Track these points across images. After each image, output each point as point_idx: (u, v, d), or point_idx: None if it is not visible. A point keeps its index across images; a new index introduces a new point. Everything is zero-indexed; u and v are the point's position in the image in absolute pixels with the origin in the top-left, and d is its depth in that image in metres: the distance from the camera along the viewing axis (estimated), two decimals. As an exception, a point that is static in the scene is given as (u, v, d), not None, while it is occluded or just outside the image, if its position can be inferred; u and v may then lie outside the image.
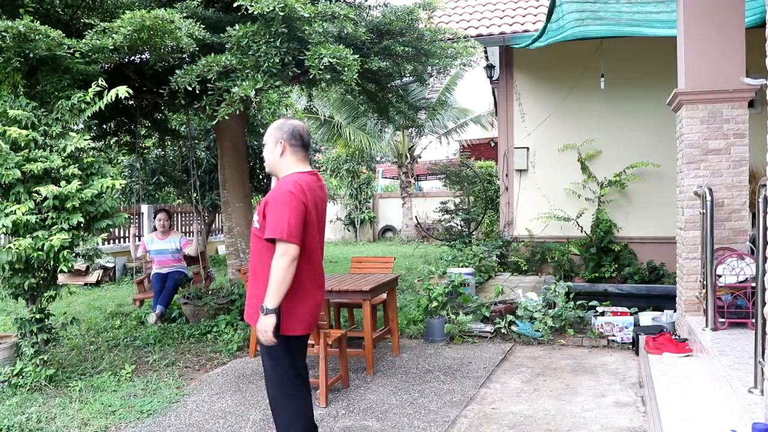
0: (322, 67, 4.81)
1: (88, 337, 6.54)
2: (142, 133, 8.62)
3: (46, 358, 4.97)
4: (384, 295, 5.76)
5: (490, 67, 10.09)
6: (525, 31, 8.95)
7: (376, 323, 6.01)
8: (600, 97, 8.90)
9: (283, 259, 2.88)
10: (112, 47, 4.64)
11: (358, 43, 5.73)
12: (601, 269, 8.72)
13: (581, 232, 8.99)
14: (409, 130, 17.39)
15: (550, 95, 9.34)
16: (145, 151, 9.39)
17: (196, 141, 9.84)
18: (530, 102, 9.46)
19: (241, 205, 7.05)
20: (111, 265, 11.27)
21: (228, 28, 5.14)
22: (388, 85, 7.38)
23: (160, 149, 10.01)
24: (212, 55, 5.02)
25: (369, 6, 6.69)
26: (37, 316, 5.00)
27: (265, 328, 2.91)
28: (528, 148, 9.43)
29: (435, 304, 6.22)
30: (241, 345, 5.99)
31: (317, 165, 17.62)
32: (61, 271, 4.71)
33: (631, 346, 5.74)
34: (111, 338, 6.42)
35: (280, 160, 3.11)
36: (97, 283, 10.66)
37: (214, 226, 14.00)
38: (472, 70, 12.10)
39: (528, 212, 9.43)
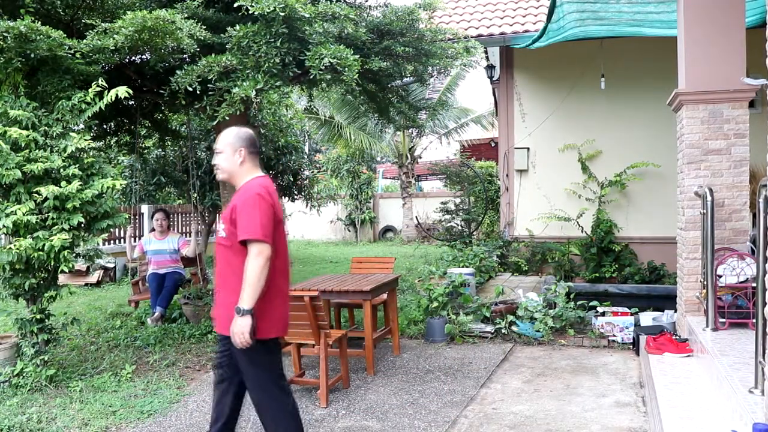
0: (323, 68, 4.81)
1: (88, 338, 6.55)
2: (143, 133, 8.63)
3: (46, 359, 4.98)
4: (384, 296, 5.76)
5: (490, 68, 10.10)
6: (525, 31, 8.96)
7: (377, 323, 6.01)
8: (600, 97, 8.91)
9: (259, 259, 2.93)
10: (113, 48, 4.64)
11: (359, 43, 5.73)
12: (601, 269, 8.72)
13: (582, 232, 8.99)
14: (410, 131, 17.40)
15: (550, 95, 9.34)
16: (145, 151, 9.39)
17: (197, 141, 9.85)
18: (531, 102, 9.46)
19: (242, 206, 7.04)
20: (111, 265, 11.27)
21: (228, 29, 5.14)
22: (389, 86, 7.38)
23: (160, 149, 10.01)
24: (213, 55, 5.02)
25: (369, 6, 6.69)
26: (38, 317, 5.01)
27: (242, 330, 2.91)
28: (528, 149, 9.43)
29: (435, 304, 6.22)
30: (241, 345, 5.99)
31: (317, 165, 17.63)
32: (62, 272, 4.72)
33: (631, 347, 5.74)
34: (111, 338, 6.43)
35: (239, 167, 3.17)
36: (98, 284, 10.67)
37: (214, 226, 14.02)
38: (473, 70, 12.10)
39: (528, 212, 9.43)
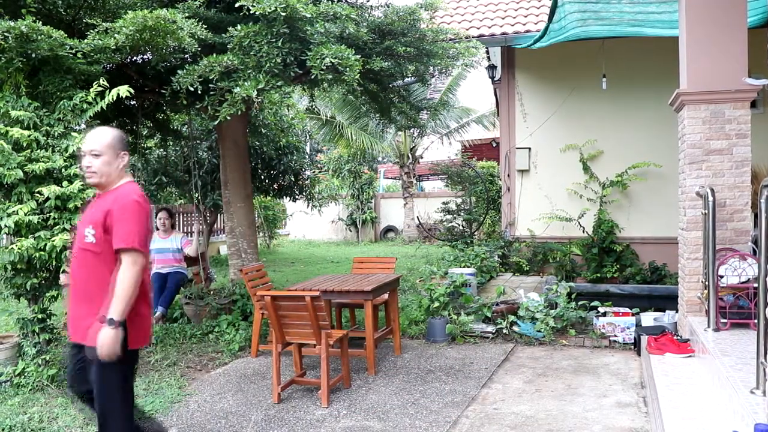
0: (324, 68, 4.80)
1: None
2: (144, 133, 8.63)
3: (48, 358, 4.98)
4: (386, 296, 5.75)
5: (492, 68, 10.09)
6: (527, 31, 8.95)
7: (378, 323, 6.00)
8: (602, 97, 8.89)
9: (134, 268, 2.84)
10: (114, 47, 4.64)
11: (360, 43, 5.72)
12: (602, 269, 8.71)
13: (583, 232, 8.97)
14: (411, 131, 17.37)
15: (551, 95, 9.33)
16: (147, 151, 9.39)
17: (198, 141, 9.85)
18: (532, 102, 9.45)
19: (243, 206, 7.04)
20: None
21: (230, 28, 5.14)
22: (390, 86, 7.38)
23: (162, 149, 10.02)
24: (214, 55, 5.02)
25: (371, 6, 6.69)
26: (39, 316, 5.02)
27: (114, 341, 2.77)
28: (530, 149, 9.42)
29: (436, 304, 6.22)
30: (242, 345, 5.99)
31: (319, 165, 17.63)
32: (63, 271, 4.72)
33: (632, 347, 5.73)
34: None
35: (118, 171, 3.03)
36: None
37: (215, 226, 14.03)
38: (474, 70, 12.10)
39: (530, 212, 9.42)
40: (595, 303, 6.32)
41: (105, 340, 2.77)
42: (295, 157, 11.05)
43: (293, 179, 11.40)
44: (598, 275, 8.65)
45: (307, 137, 16.63)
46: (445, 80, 16.30)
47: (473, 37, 8.05)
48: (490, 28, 9.20)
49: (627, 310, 6.12)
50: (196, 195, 9.02)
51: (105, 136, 3.02)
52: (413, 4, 6.58)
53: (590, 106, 9.11)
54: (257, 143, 9.90)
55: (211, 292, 6.80)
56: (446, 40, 6.86)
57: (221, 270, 11.22)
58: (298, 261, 14.10)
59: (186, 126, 8.95)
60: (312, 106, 16.64)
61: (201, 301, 6.59)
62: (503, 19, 9.48)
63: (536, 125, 9.38)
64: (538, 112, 9.39)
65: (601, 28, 7.77)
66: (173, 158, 10.39)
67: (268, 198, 13.96)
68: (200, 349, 5.99)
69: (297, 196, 11.94)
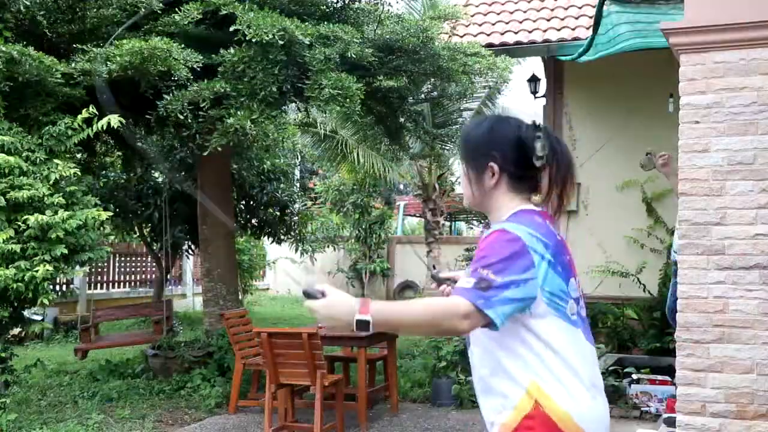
0: (323, 99, 6.75)
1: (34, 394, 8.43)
2: (102, 150, 10.39)
3: (6, 402, 6.78)
4: (384, 351, 7.74)
5: (534, 80, 11.87)
6: (575, 38, 10.67)
7: (375, 383, 7.90)
8: (668, 121, 9.69)
9: None
10: (106, 74, 6.73)
11: (365, 63, 7.51)
12: (664, 338, 9.73)
13: (644, 291, 10.30)
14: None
15: (607, 118, 10.85)
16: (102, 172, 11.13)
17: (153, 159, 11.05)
18: (583, 126, 10.98)
19: (223, 244, 8.95)
20: (38, 317, 11.80)
21: (222, 50, 7.11)
22: (401, 108, 9.17)
23: (126, 173, 11.59)
24: (204, 80, 6.99)
25: (379, 18, 8.49)
26: (1, 355, 6.95)
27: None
28: (579, 184, 10.71)
29: (443, 363, 8.13)
30: (219, 401, 7.92)
31: (313, 195, 18.53)
32: (41, 303, 6.70)
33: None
34: (63, 395, 8.34)
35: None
36: (19, 341, 11.77)
37: (172, 273, 15.10)
38: (506, 87, 13.72)
39: (577, 263, 10.78)
40: (629, 369, 7.99)
41: None
42: (282, 185, 12.33)
43: (278, 214, 12.52)
44: (659, 344, 9.83)
45: (298, 158, 16.95)
46: (473, 100, 16.75)
47: (508, 45, 9.75)
48: (530, 33, 11.05)
49: (666, 378, 7.76)
50: (148, 232, 10.19)
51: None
52: (429, 14, 8.44)
53: (655, 133, 10.16)
54: (234, 166, 10.85)
55: (182, 345, 8.74)
56: (469, 54, 8.64)
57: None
58: (282, 322, 15.62)
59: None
60: (306, 116, 17.51)
61: (171, 352, 8.56)
62: (548, 21, 11.34)
63: (588, 155, 10.71)
64: (590, 138, 10.86)
65: (662, 39, 9.44)
66: (122, 180, 11.73)
67: (244, 238, 14.79)
68: (171, 405, 7.94)
69: (282, 237, 12.99)
